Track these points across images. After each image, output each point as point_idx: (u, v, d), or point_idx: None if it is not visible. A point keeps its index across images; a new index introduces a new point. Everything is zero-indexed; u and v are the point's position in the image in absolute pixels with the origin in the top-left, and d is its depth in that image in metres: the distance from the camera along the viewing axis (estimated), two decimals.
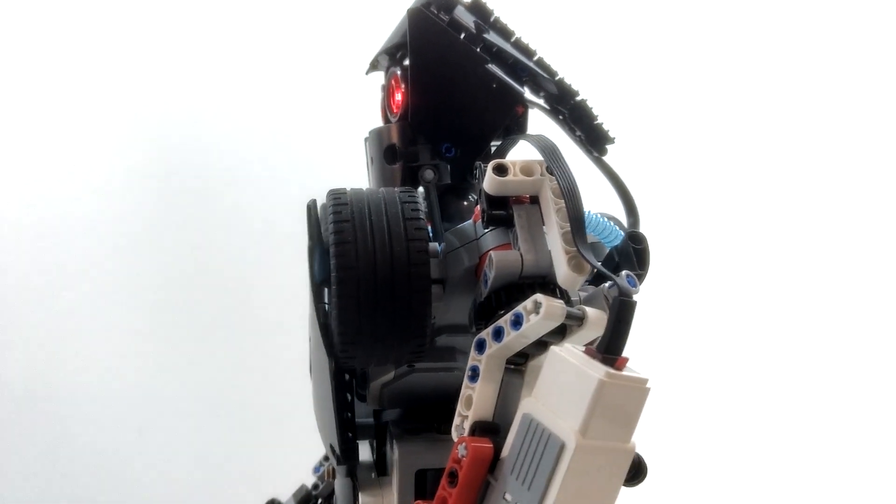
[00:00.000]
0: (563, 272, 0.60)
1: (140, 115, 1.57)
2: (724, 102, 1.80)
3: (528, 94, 0.96)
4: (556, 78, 0.92)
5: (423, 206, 0.69)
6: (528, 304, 0.59)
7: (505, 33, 0.92)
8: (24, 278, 1.46)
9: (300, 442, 0.94)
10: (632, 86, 1.70)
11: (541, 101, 0.96)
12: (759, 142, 1.81)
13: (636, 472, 0.84)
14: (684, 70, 1.79)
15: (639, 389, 0.56)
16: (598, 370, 0.54)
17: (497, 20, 0.92)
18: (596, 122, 0.92)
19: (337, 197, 0.67)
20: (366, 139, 0.92)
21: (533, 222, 0.65)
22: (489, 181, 0.65)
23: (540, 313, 0.58)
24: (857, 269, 1.79)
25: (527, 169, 0.65)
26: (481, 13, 0.91)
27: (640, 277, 0.70)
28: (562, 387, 0.56)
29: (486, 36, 0.87)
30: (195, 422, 1.58)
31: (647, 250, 0.72)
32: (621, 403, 0.55)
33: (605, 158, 0.95)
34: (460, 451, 0.59)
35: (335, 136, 1.36)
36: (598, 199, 1.03)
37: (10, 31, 1.48)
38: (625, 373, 0.55)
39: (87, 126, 1.53)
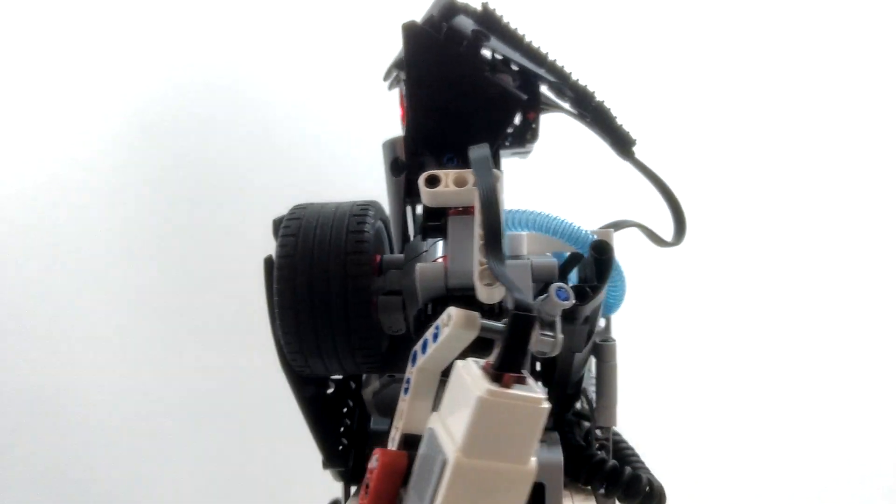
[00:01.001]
0: (477, 285, 0.59)
1: (145, 123, 1.56)
2: (724, 104, 1.82)
3: (553, 98, 0.94)
4: (570, 82, 0.89)
5: (372, 221, 0.70)
6: (443, 316, 0.59)
7: (514, 39, 0.91)
8: (31, 286, 1.44)
9: (311, 449, 0.97)
10: (640, 88, 1.72)
11: (566, 106, 0.93)
12: (759, 142, 1.83)
13: (651, 497, 0.79)
14: (687, 75, 1.81)
15: (530, 409, 0.53)
16: (480, 387, 0.52)
17: (506, 27, 0.91)
18: (616, 125, 0.88)
19: (293, 212, 0.71)
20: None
21: (465, 234, 0.64)
22: (422, 193, 0.65)
23: (449, 325, 0.57)
24: (857, 269, 1.80)
25: (459, 179, 0.64)
26: (488, 20, 0.91)
27: (596, 289, 0.66)
28: (456, 402, 0.55)
29: (487, 43, 0.86)
30: (202, 428, 1.56)
31: (609, 261, 0.67)
32: (509, 422, 0.53)
33: (651, 165, 0.91)
34: (372, 461, 0.59)
35: (343, 142, 1.36)
36: (640, 204, 0.99)
37: (16, 38, 1.47)
38: (514, 391, 0.53)
39: (92, 134, 1.51)
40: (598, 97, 0.90)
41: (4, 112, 1.44)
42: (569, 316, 0.66)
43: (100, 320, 1.48)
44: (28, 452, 1.38)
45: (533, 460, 0.54)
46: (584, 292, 0.66)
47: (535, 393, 0.54)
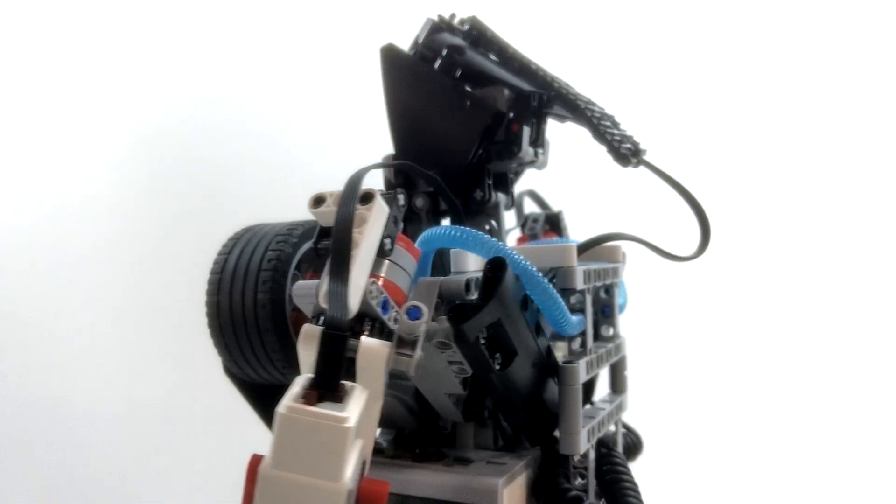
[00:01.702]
0: (321, 302, 0.61)
1: (148, 132, 1.55)
2: (724, 106, 1.86)
3: (560, 110, 0.91)
4: (562, 95, 0.85)
5: (295, 240, 0.74)
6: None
7: (502, 53, 0.89)
8: (37, 297, 1.41)
9: None
10: (648, 94, 1.76)
11: (568, 115, 0.90)
12: (758, 144, 1.87)
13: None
14: (687, 80, 1.86)
15: (331, 427, 0.54)
16: (284, 402, 0.55)
17: (493, 40, 0.90)
18: (609, 138, 0.83)
19: (237, 232, 0.78)
20: None
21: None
22: (311, 213, 0.67)
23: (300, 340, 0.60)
24: (856, 269, 1.84)
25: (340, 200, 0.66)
26: (475, 36, 0.90)
27: (477, 309, 0.64)
28: None
29: (463, 58, 0.86)
30: (204, 434, 1.54)
31: (497, 280, 0.65)
32: (314, 439, 0.54)
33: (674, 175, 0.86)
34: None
35: (346, 149, 1.33)
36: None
37: (22, 46, 1.44)
38: (318, 408, 0.54)
39: (98, 144, 1.50)
40: (594, 109, 0.85)
41: (7, 116, 1.41)
42: (459, 336, 0.65)
43: (101, 328, 1.46)
44: (30, 459, 1.36)
45: (346, 478, 0.55)
46: (464, 312, 0.64)
47: (340, 412, 0.55)
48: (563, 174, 1.09)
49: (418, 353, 0.61)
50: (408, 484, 0.77)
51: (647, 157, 0.87)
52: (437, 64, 0.87)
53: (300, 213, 0.76)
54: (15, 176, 1.38)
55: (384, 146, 0.96)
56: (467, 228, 0.70)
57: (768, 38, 1.87)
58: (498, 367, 0.69)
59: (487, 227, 0.93)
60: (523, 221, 1.21)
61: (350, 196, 0.62)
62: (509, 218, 1.08)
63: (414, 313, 0.60)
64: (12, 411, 1.33)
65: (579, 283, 0.77)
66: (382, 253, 0.65)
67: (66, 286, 1.40)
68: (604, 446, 0.90)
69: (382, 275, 0.66)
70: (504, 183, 0.98)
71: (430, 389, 0.76)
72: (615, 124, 0.87)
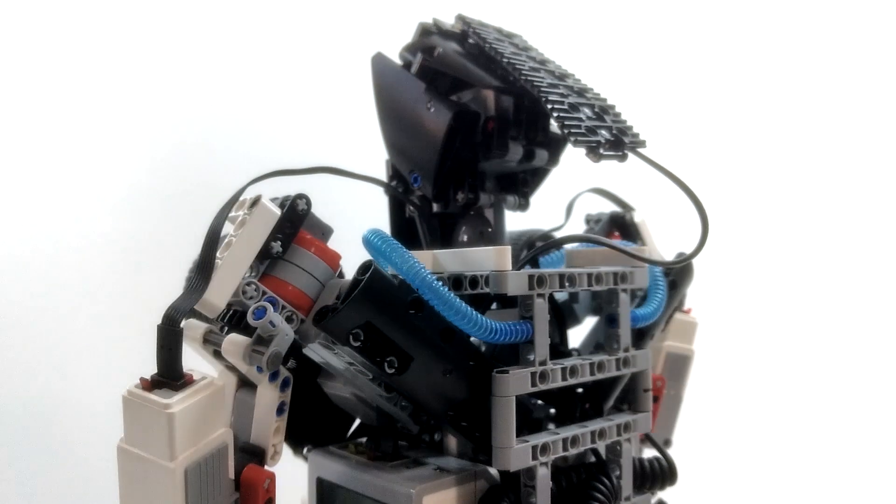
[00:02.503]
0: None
1: (152, 142, 1.55)
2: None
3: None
4: (538, 93, 0.81)
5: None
6: None
7: (480, 47, 0.87)
8: (36, 296, 1.41)
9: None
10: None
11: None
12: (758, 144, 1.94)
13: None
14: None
15: (157, 412, 0.60)
16: (128, 387, 0.62)
17: (475, 34, 0.88)
18: (570, 127, 0.78)
19: None
20: None
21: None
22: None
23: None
24: (856, 269, 1.92)
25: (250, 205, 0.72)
26: (462, 36, 0.89)
27: (336, 310, 0.65)
28: None
29: (432, 60, 0.86)
30: None
31: (357, 282, 0.65)
32: (145, 421, 0.61)
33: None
34: None
35: (346, 149, 1.26)
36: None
37: (23, 46, 1.45)
38: (150, 394, 0.61)
39: (98, 144, 1.50)
40: (556, 96, 0.78)
41: (7, 116, 1.43)
42: (338, 335, 0.66)
43: (101, 328, 1.46)
44: (27, 459, 1.37)
45: (179, 459, 0.61)
46: (323, 312, 0.65)
47: (166, 399, 0.61)
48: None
49: (271, 349, 0.64)
50: (348, 478, 0.80)
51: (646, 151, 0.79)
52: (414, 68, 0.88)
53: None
54: (14, 176, 1.39)
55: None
56: (370, 234, 0.71)
57: (768, 38, 1.96)
58: (393, 372, 0.69)
59: (479, 231, 0.91)
60: (586, 221, 1.13)
61: (230, 203, 0.68)
62: (530, 220, 1.03)
63: (259, 313, 0.64)
64: (10, 410, 1.35)
65: (512, 289, 0.73)
66: (270, 255, 0.69)
67: (65, 286, 1.44)
68: (599, 470, 0.83)
69: (275, 275, 0.71)
70: (513, 184, 0.95)
71: (365, 393, 0.78)
72: (602, 112, 0.79)
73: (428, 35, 0.90)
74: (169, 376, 0.62)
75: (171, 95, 1.58)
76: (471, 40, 0.88)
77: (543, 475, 0.77)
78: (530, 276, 0.76)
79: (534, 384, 0.75)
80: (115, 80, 1.53)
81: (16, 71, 1.44)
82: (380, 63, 0.92)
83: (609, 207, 1.15)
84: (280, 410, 0.71)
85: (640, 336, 0.94)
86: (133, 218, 1.50)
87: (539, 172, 0.97)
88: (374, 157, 0.97)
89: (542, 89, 0.78)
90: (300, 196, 0.73)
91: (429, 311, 0.69)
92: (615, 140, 0.78)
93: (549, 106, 0.77)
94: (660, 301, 0.93)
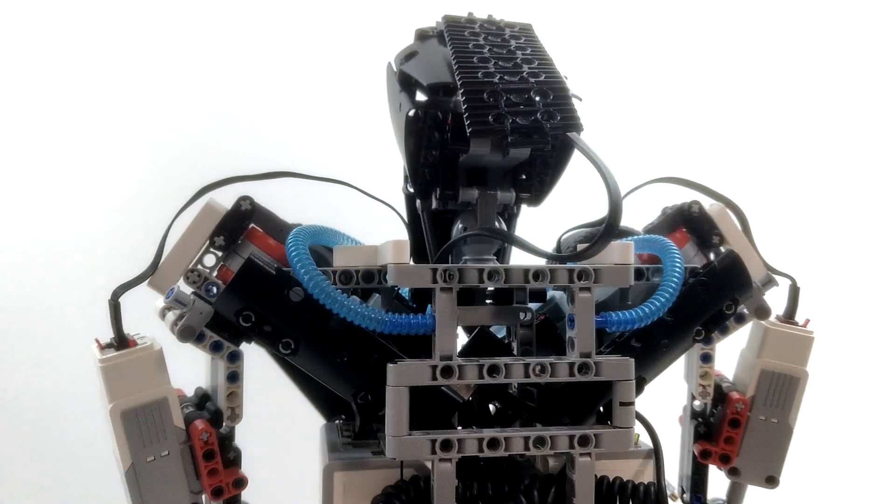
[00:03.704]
0: None
1: (153, 134, 1.53)
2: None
3: None
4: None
5: None
6: None
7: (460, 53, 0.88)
8: (36, 296, 1.43)
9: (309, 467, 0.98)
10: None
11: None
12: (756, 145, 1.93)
13: None
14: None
15: (97, 364, 0.78)
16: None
17: (455, 39, 0.89)
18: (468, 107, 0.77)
19: None
20: None
21: None
22: None
23: None
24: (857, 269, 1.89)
25: None
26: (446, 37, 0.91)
27: (222, 293, 0.75)
28: None
29: (407, 65, 0.90)
30: None
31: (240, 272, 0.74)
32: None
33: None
34: None
35: (345, 151, 1.10)
36: None
37: (23, 46, 1.47)
38: (98, 352, 0.79)
39: (98, 144, 1.50)
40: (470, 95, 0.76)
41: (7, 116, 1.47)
42: (227, 317, 0.77)
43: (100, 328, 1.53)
44: (29, 454, 1.39)
45: (114, 404, 0.78)
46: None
47: (103, 356, 0.78)
48: None
49: (181, 323, 0.78)
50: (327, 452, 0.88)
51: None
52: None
53: (301, 214, 0.96)
54: (14, 176, 1.42)
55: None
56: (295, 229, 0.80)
57: (768, 38, 1.96)
58: (288, 352, 0.77)
59: (462, 227, 0.90)
60: (662, 213, 1.01)
61: (184, 206, 0.83)
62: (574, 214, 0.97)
63: (169, 293, 0.78)
64: (12, 406, 1.38)
65: (407, 282, 0.75)
66: (217, 246, 0.83)
67: (64, 286, 1.48)
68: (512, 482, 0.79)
69: (228, 266, 0.83)
70: (514, 180, 0.92)
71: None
72: (541, 97, 0.75)
73: (425, 39, 0.93)
74: (117, 339, 0.80)
75: (179, 97, 1.60)
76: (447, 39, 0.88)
77: (444, 471, 0.75)
78: (433, 270, 0.76)
79: (434, 378, 0.75)
80: (124, 82, 1.56)
81: (23, 74, 1.48)
82: (387, 71, 0.98)
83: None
84: (231, 379, 0.84)
85: (648, 341, 0.84)
86: (140, 217, 1.49)
87: (548, 168, 0.92)
88: (388, 159, 1.02)
89: (464, 82, 0.77)
90: (244, 198, 0.85)
91: (313, 300, 0.75)
92: (533, 126, 0.73)
93: (462, 98, 0.76)
94: (656, 307, 0.81)
